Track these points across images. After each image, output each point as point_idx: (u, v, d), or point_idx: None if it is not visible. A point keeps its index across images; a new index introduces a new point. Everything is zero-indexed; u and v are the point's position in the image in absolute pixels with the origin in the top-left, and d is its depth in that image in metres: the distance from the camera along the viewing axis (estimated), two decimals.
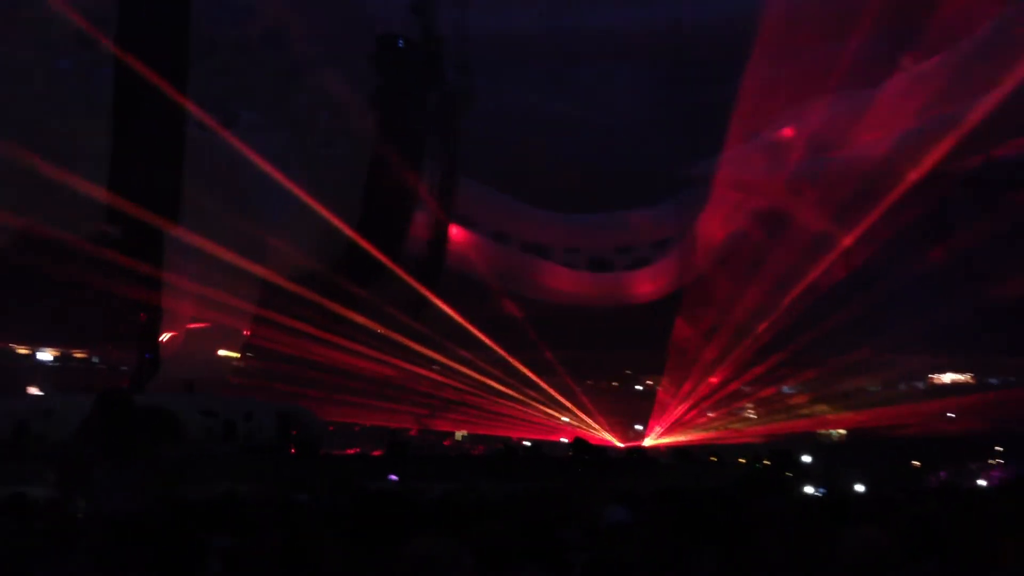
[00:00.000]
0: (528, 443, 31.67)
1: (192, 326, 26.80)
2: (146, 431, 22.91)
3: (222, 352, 28.17)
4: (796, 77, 32.40)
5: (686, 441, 34.48)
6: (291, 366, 30.47)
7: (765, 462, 19.13)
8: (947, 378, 39.50)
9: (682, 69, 36.49)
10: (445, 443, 34.75)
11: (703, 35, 34.94)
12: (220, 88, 27.11)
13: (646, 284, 39.05)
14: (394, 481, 15.18)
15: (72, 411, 19.21)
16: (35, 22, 25.12)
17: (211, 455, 20.19)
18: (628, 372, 41.32)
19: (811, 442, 32.09)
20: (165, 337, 26.25)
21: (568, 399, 37.22)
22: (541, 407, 37.05)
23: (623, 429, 37.58)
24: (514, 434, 35.52)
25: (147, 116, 24.19)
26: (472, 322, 34.19)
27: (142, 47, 23.76)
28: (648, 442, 35.86)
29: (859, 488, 14.79)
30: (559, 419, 37.19)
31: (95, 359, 34.03)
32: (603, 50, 34.65)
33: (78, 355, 34.91)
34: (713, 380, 36.69)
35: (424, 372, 34.91)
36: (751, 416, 38.68)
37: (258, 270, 28.20)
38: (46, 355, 35.04)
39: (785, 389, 38.14)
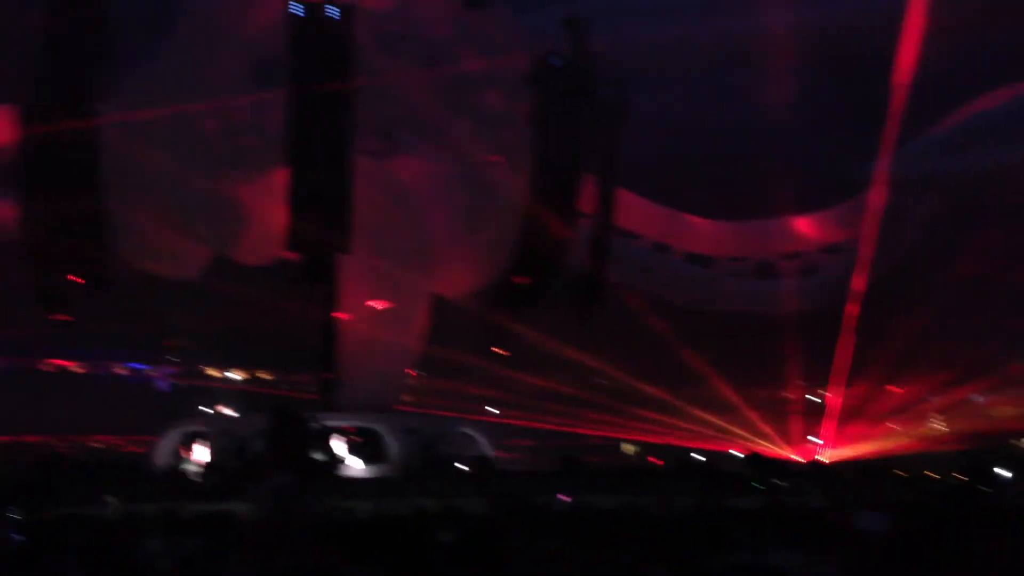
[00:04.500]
0: (700, 456, 31.22)
1: (367, 342, 27.80)
2: (325, 446, 24.05)
3: (396, 371, 29.09)
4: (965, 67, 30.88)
5: (867, 453, 33.15)
6: (462, 382, 31.19)
7: (958, 476, 18.15)
8: None
9: (848, 67, 35.28)
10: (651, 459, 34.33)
11: (868, 31, 33.72)
12: (384, 114, 28.06)
13: (815, 290, 37.79)
14: (566, 501, 15.13)
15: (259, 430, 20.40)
16: (211, 59, 26.67)
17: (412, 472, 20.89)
18: (801, 382, 40.10)
19: (1005, 453, 30.24)
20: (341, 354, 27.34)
21: (738, 410, 36.50)
22: (711, 417, 36.49)
23: (797, 441, 36.51)
24: (684, 444, 35.12)
25: (318, 146, 25.37)
26: (633, 333, 34.07)
27: (311, 79, 24.96)
28: (826, 455, 34.69)
29: None
30: (730, 430, 36.52)
31: (279, 380, 35.87)
32: (761, 53, 33.89)
33: (264, 376, 36.92)
34: (893, 388, 35.14)
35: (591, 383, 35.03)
36: (937, 426, 36.80)
37: (427, 289, 28.99)
38: (235, 376, 37.16)
39: (974, 397, 36.11)
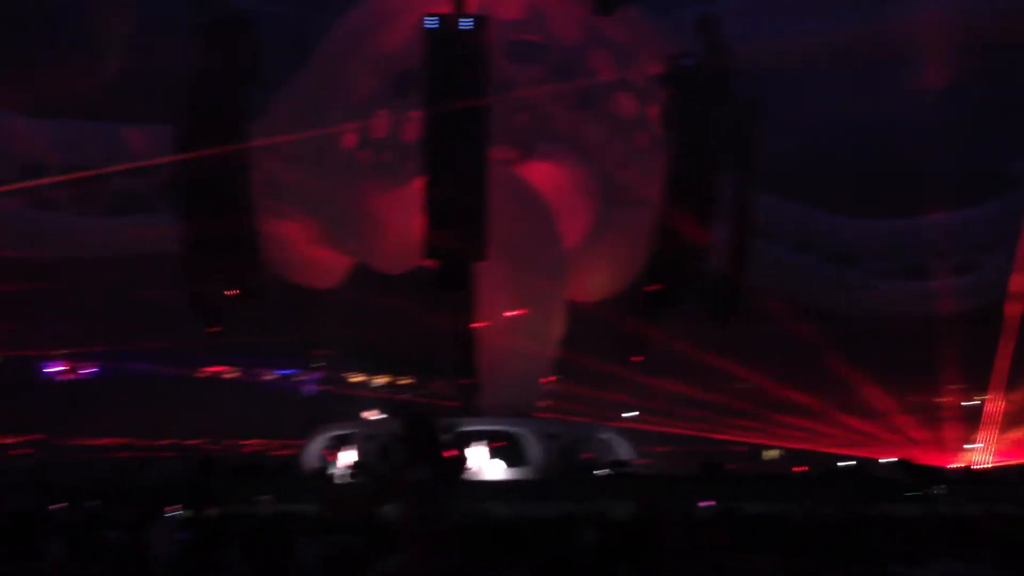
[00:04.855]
0: (851, 462, 30.22)
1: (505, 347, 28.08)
2: (463, 450, 24.36)
3: (534, 377, 29.27)
4: None
5: None
6: (600, 389, 31.14)
7: None
8: None
9: (1002, 57, 33.48)
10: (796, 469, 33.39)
11: (1021, 18, 31.92)
12: (517, 122, 28.31)
13: (971, 291, 35.97)
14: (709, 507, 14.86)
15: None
16: (350, 76, 27.48)
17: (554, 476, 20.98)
18: (956, 386, 38.23)
19: None
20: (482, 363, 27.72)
21: (889, 415, 35.14)
22: (859, 423, 35.26)
23: (953, 447, 34.86)
24: (830, 451, 34.06)
25: (454, 156, 25.82)
26: (777, 338, 33.28)
27: (446, 90, 25.45)
28: (985, 461, 33.02)
29: None
30: (880, 436, 35.21)
31: (419, 385, 36.63)
32: (908, 44, 32.52)
33: (405, 382, 37.79)
34: None
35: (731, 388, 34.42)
36: None
37: (563, 295, 29.05)
38: (378, 382, 38.15)
39: None
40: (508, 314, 28.09)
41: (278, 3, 29.33)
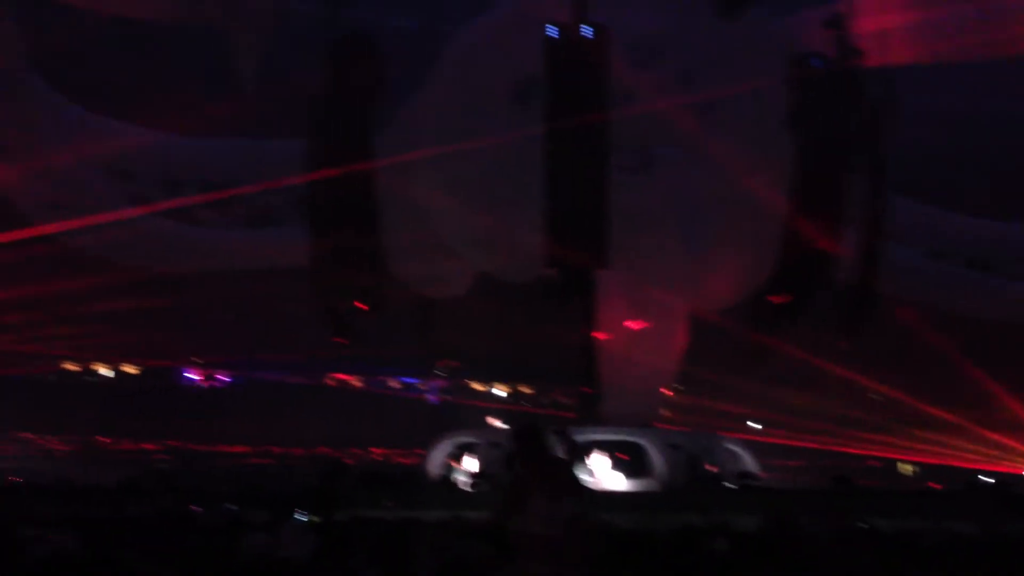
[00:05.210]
0: (991, 479, 28.80)
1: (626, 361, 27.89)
2: (582, 460, 24.27)
3: (655, 387, 28.97)
4: None
5: None
6: (724, 400, 30.60)
7: None
8: None
9: None
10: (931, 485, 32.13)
11: None
12: (639, 129, 28.09)
13: None
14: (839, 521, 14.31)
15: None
16: (473, 88, 27.82)
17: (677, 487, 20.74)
18: None
19: None
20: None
21: None
22: (1000, 438, 33.59)
23: None
24: (969, 466, 32.56)
25: (576, 164, 25.82)
26: (910, 348, 32.03)
27: (568, 98, 25.50)
28: None
29: None
30: (1021, 451, 33.47)
31: (540, 395, 36.75)
32: None
33: (526, 391, 37.97)
34: None
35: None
36: None
37: (686, 305, 28.65)
38: (500, 391, 38.45)
39: None
40: (630, 325, 27.89)
41: (403, 16, 30.00)
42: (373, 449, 38.92)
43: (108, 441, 39.31)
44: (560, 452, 19.44)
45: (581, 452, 24.46)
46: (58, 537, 9.29)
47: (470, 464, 26.29)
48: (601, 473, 24.73)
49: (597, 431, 26.00)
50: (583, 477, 22.92)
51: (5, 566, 7.96)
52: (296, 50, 29.02)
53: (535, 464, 7.13)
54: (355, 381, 43.16)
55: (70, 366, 39.93)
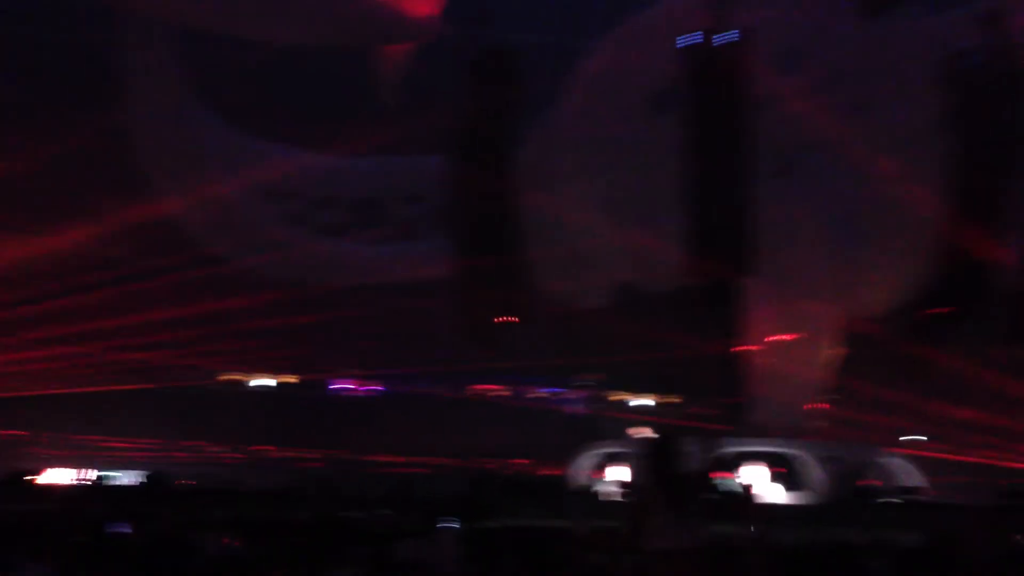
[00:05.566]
0: None
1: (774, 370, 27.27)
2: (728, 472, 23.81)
3: (805, 400, 28.20)
4: None
5: None
6: (883, 414, 29.49)
7: None
8: None
9: None
10: None
11: None
12: (784, 133, 27.50)
13: None
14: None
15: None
16: (611, 96, 27.88)
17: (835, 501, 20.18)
18: None
19: None
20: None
21: None
22: None
23: None
24: None
25: (718, 170, 25.54)
26: None
27: (709, 104, 25.27)
28: None
29: None
30: None
31: (684, 406, 36.29)
32: None
33: (671, 401, 37.57)
34: None
35: None
36: None
37: (836, 315, 27.81)
38: (644, 402, 38.20)
39: None
40: (776, 338, 27.30)
41: (541, 33, 30.36)
42: (517, 460, 39.27)
43: (270, 449, 41.13)
44: (693, 466, 19.14)
45: (733, 463, 24.07)
46: (227, 538, 9.89)
47: (616, 474, 26.24)
48: (758, 485, 24.20)
49: (748, 442, 25.52)
50: (735, 490, 22.54)
51: (181, 563, 8.57)
52: (439, 69, 29.78)
53: (662, 477, 7.11)
54: (500, 392, 43.69)
55: (233, 377, 42.00)
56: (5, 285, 30.54)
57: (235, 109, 31.68)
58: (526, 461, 39.08)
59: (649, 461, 7.27)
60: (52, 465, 30.48)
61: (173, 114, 30.15)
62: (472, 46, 28.48)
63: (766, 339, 27.38)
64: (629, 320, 29.92)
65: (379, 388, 44.97)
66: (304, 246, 31.72)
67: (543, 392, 44.15)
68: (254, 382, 42.47)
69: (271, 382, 42.41)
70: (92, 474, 29.42)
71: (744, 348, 27.44)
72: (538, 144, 28.82)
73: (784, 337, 27.31)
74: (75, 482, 27.80)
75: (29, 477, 25.43)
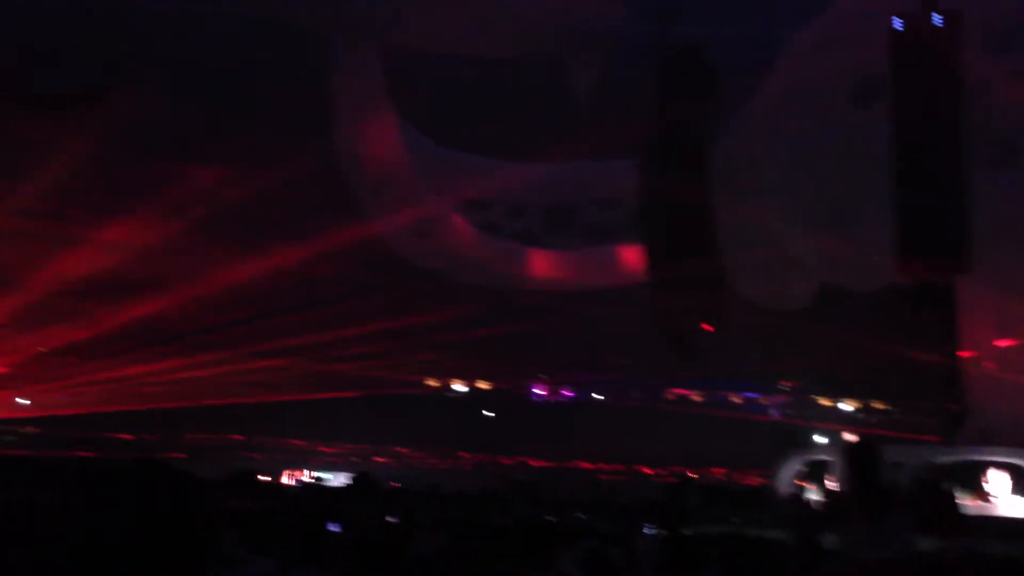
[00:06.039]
0: None
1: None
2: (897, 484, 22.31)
3: None
4: None
5: None
6: None
7: None
8: None
9: None
10: None
11: None
12: (1002, 120, 25.66)
13: None
14: None
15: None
16: (813, 88, 26.82)
17: None
18: None
19: None
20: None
21: None
22: None
23: None
24: None
25: (928, 161, 24.07)
26: None
27: (918, 91, 23.86)
28: None
29: None
30: None
31: (895, 411, 34.50)
32: None
33: (879, 408, 35.81)
34: None
35: None
36: None
37: None
38: (847, 406, 36.62)
39: None
40: (1002, 342, 25.46)
41: (734, 26, 29.69)
42: (715, 469, 38.53)
43: (467, 456, 42.22)
44: (906, 475, 18.16)
45: (958, 474, 22.63)
46: (436, 537, 10.20)
47: (822, 482, 25.22)
48: (998, 496, 22.64)
49: (969, 451, 23.92)
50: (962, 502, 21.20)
51: (395, 561, 8.90)
52: (630, 71, 29.65)
53: (864, 486, 6.90)
54: (696, 398, 43.03)
55: (432, 383, 43.40)
56: (236, 303, 33.03)
57: (440, 124, 32.72)
58: (724, 469, 38.30)
59: (851, 469, 7.09)
60: (284, 467, 32.51)
61: (385, 135, 31.48)
62: (662, 44, 28.15)
63: (984, 343, 25.61)
64: (832, 324, 28.75)
65: (571, 394, 45.23)
66: (501, 255, 32.38)
67: (741, 398, 43.12)
68: (452, 388, 43.74)
69: (465, 388, 43.57)
70: (312, 474, 31.23)
71: (960, 353, 25.75)
72: (735, 143, 28.15)
73: (1007, 342, 25.47)
74: (295, 482, 29.60)
75: (261, 477, 27.19)
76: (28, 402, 38.61)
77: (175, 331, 35.22)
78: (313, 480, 30.47)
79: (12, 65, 30.74)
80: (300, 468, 32.84)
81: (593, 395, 44.10)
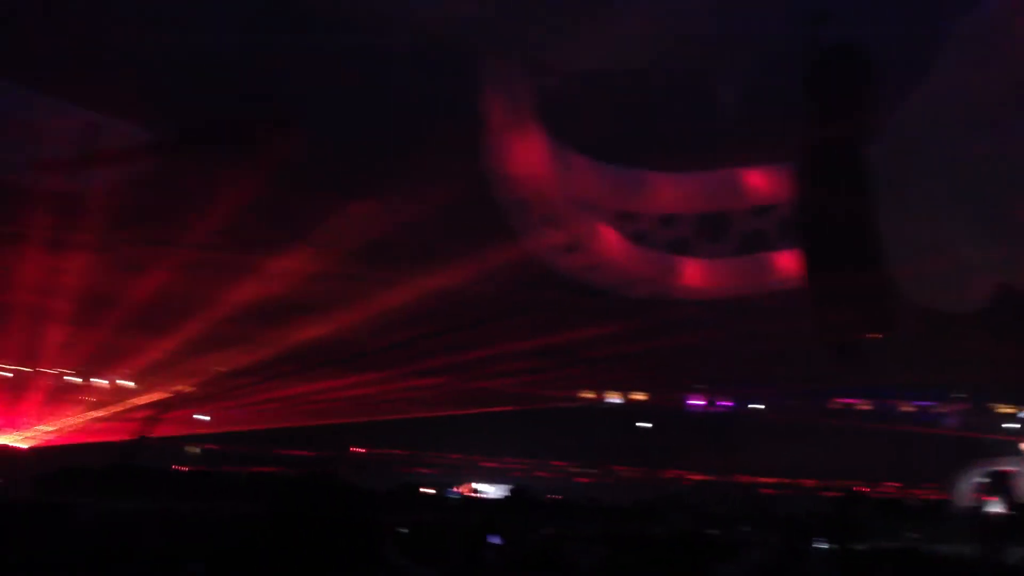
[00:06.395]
0: None
1: None
2: None
3: None
4: None
5: None
6: None
7: None
8: None
9: None
10: None
11: None
12: None
13: None
14: None
15: None
16: (980, 81, 25.54)
17: None
18: None
19: None
20: None
21: None
22: None
23: None
24: None
25: None
26: None
27: None
28: None
29: None
30: None
31: None
32: None
33: None
34: None
35: None
36: None
37: None
38: None
39: None
40: None
41: (886, 24, 28.57)
42: (888, 483, 36.99)
43: (624, 469, 42.04)
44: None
45: None
46: (596, 550, 10.26)
47: (1006, 495, 23.89)
48: None
49: None
50: None
51: (555, 573, 9.03)
52: (780, 74, 28.94)
53: (1001, 494, 6.61)
54: (864, 408, 41.45)
55: (588, 396, 43.50)
56: (398, 324, 34.20)
57: (591, 139, 32.81)
58: (898, 484, 36.78)
59: (994, 483, 6.80)
60: (445, 480, 33.38)
61: (535, 153, 31.77)
62: (812, 47, 27.34)
63: None
64: (1009, 329, 27.19)
65: (731, 404, 44.39)
66: (655, 266, 32.20)
67: (912, 406, 41.22)
68: (607, 401, 43.70)
69: (620, 400, 43.47)
70: (472, 486, 31.90)
71: None
72: (891, 143, 27.05)
73: None
74: (456, 494, 30.27)
75: (423, 490, 27.98)
76: (208, 418, 41.13)
77: (341, 352, 36.67)
78: (472, 492, 31.07)
79: (197, 112, 32.74)
80: (461, 482, 33.55)
81: (751, 406, 43.13)
